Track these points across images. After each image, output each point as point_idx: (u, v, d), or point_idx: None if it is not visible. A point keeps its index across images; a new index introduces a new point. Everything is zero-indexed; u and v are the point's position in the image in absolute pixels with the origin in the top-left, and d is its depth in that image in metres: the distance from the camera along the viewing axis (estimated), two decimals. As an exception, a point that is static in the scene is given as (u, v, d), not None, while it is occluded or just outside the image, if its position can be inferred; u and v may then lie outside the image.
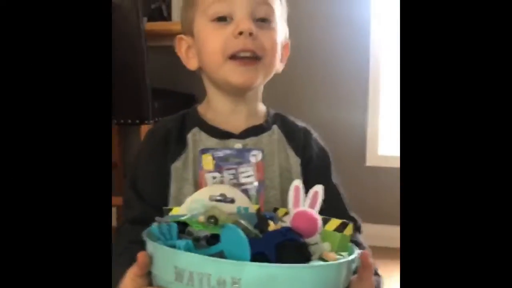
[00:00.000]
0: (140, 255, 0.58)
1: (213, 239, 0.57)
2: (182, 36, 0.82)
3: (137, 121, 1.79)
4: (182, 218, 0.62)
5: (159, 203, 0.72)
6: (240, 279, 0.52)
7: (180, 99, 2.09)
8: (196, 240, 0.58)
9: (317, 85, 2.25)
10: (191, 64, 0.82)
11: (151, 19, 2.01)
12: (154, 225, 0.60)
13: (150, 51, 1.75)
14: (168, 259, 0.56)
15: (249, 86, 0.78)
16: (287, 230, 0.60)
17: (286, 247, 0.57)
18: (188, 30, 0.81)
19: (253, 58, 0.76)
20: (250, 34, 0.74)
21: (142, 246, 0.61)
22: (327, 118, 2.19)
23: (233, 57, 0.75)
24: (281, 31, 0.81)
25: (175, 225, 0.58)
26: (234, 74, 0.76)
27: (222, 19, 0.76)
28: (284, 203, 0.71)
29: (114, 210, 2.07)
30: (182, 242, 0.56)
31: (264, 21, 0.77)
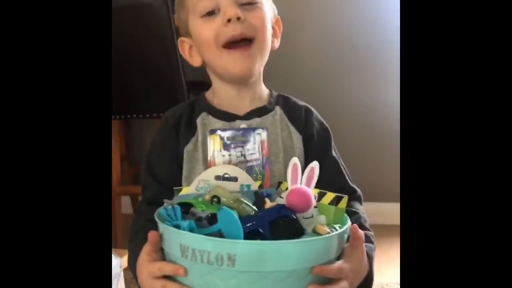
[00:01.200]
0: (151, 234, 0.66)
1: (213, 218, 0.64)
2: (183, 38, 0.87)
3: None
4: (188, 200, 0.69)
5: (173, 184, 0.78)
6: (235, 254, 0.59)
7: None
8: (199, 220, 0.64)
9: (351, 65, 2.20)
10: (195, 61, 0.87)
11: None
12: (162, 208, 0.68)
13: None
14: (174, 238, 0.63)
15: (248, 74, 0.82)
16: (281, 207, 0.66)
17: (279, 224, 0.63)
18: (185, 31, 0.86)
19: (246, 42, 0.79)
20: (238, 18, 0.78)
21: (157, 224, 0.68)
22: (362, 98, 2.16)
23: (228, 45, 0.79)
24: (269, 8, 0.84)
25: (178, 208, 0.65)
26: (231, 64, 0.80)
27: (210, 13, 0.80)
28: (288, 177, 0.76)
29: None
30: (185, 223, 0.63)
31: (250, 4, 0.80)
